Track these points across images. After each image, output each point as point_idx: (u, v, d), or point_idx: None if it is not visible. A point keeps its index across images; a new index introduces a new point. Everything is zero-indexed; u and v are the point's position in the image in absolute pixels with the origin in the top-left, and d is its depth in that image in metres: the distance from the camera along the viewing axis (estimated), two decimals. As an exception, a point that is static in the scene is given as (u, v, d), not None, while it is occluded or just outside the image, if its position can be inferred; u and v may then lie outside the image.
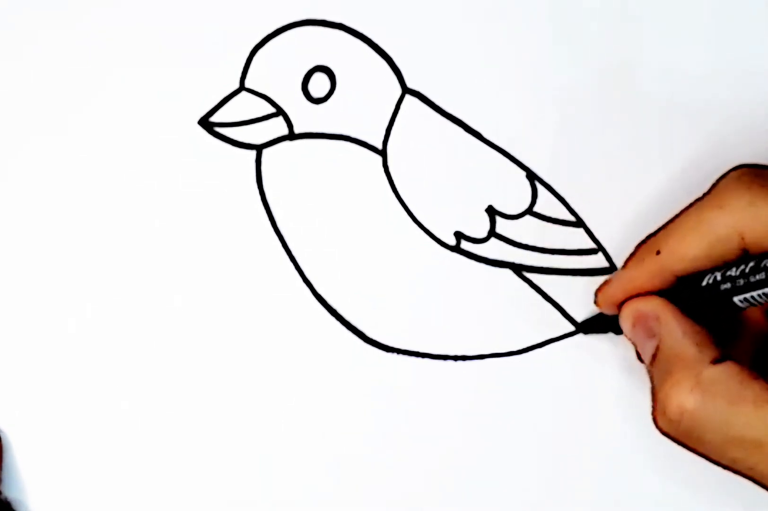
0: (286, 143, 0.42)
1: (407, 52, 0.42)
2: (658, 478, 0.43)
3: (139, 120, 0.42)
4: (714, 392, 0.36)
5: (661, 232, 0.40)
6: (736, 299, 0.37)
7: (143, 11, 0.42)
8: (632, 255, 0.41)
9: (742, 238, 0.37)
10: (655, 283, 0.39)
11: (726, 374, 0.36)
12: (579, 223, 0.43)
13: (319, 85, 0.42)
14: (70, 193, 0.42)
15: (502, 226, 0.42)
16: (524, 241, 0.42)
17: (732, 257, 0.38)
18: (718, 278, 0.38)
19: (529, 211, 0.42)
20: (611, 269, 0.42)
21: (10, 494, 0.42)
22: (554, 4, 0.42)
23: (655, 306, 0.39)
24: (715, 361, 0.37)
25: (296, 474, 0.43)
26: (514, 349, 0.42)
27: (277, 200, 0.42)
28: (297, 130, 0.42)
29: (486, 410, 0.43)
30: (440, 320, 0.42)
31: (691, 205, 0.39)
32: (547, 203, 0.42)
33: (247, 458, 0.42)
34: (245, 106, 0.42)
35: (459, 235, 0.42)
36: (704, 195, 0.39)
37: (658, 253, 0.39)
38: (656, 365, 0.38)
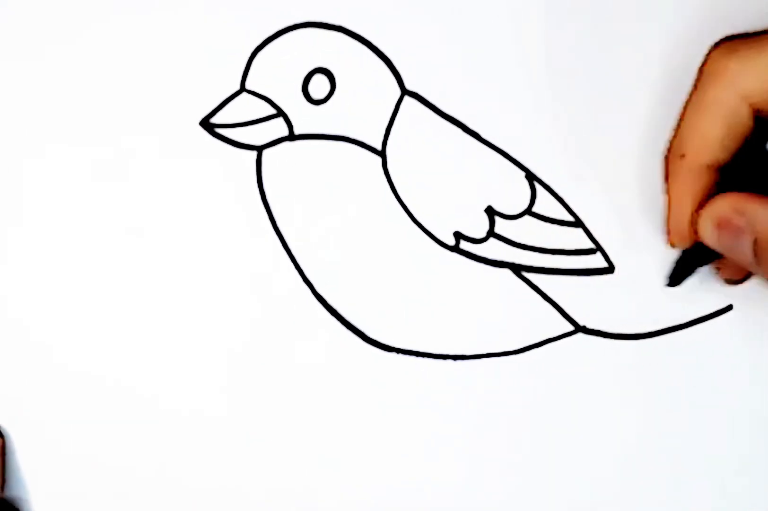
0: (287, 144, 0.42)
1: (406, 54, 0.42)
2: (658, 478, 0.43)
3: (140, 121, 0.42)
4: None
5: (675, 136, 0.38)
6: None
7: (145, 13, 0.42)
8: (665, 176, 0.39)
9: (750, 103, 0.36)
10: (701, 186, 0.38)
11: None
12: (578, 223, 0.43)
13: (319, 86, 0.42)
14: (71, 194, 0.42)
15: (502, 226, 0.42)
16: (523, 242, 0.42)
17: (750, 126, 0.37)
18: None
19: (528, 211, 0.43)
20: (610, 268, 0.43)
21: (14, 492, 0.43)
22: (553, 5, 0.42)
23: (731, 202, 0.37)
24: None
25: (296, 473, 0.43)
26: (513, 349, 0.43)
27: (277, 200, 0.42)
28: (297, 131, 0.42)
29: (485, 409, 0.43)
30: (440, 320, 0.43)
31: (688, 99, 0.38)
32: (546, 203, 0.43)
33: (246, 457, 0.43)
34: (246, 108, 0.42)
35: (458, 236, 0.42)
36: (695, 83, 0.38)
37: (683, 156, 0.38)
38: (762, 258, 0.36)
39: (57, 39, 0.42)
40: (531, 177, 0.42)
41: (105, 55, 0.42)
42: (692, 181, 0.38)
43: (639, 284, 0.43)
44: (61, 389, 0.42)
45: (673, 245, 0.41)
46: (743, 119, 0.37)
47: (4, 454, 0.42)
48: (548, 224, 0.42)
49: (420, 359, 0.43)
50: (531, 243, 0.42)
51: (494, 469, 0.43)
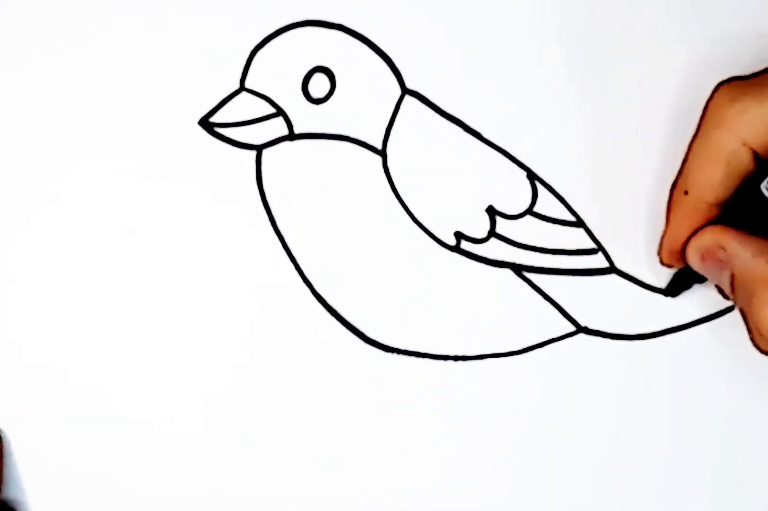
0: (286, 143, 0.42)
1: (406, 53, 0.42)
2: (658, 478, 0.43)
3: (139, 120, 0.42)
4: None
5: (680, 173, 0.40)
6: None
7: (144, 12, 0.42)
8: (668, 207, 0.41)
9: (750, 147, 0.38)
10: (699, 219, 0.40)
11: None
12: (579, 223, 0.43)
13: (319, 85, 0.42)
14: (71, 194, 0.42)
15: (503, 226, 0.42)
16: (524, 242, 0.42)
17: (750, 167, 0.39)
18: (764, 186, 0.38)
19: (530, 211, 0.42)
20: (611, 269, 0.42)
21: (11, 494, 0.42)
22: (553, 5, 0.42)
23: (715, 236, 0.39)
24: None
25: (295, 474, 0.42)
26: (514, 349, 0.42)
27: (277, 200, 0.42)
28: (297, 130, 0.42)
29: (486, 410, 0.43)
30: (440, 321, 0.42)
31: (693, 139, 0.40)
32: (547, 203, 0.42)
33: (246, 457, 0.42)
34: (245, 107, 0.42)
35: (459, 236, 0.42)
36: (699, 124, 0.39)
37: (686, 193, 0.40)
38: (738, 293, 0.38)
39: (56, 39, 0.42)
40: (532, 177, 0.42)
41: (104, 54, 0.42)
42: (693, 215, 0.40)
43: (640, 284, 0.42)
44: (59, 391, 0.42)
45: (663, 264, 0.42)
46: (744, 161, 0.39)
47: (1, 456, 0.42)
48: (549, 224, 0.42)
49: (420, 359, 0.43)
50: (532, 243, 0.42)
51: (494, 469, 0.43)
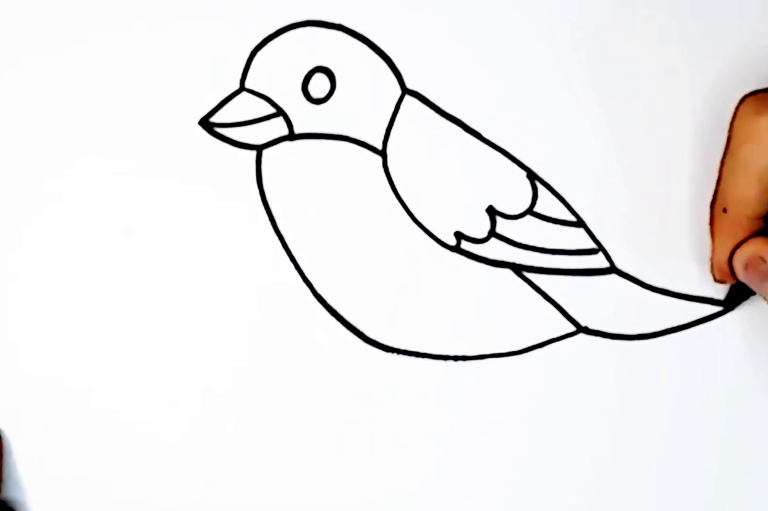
0: (286, 144, 0.42)
1: (406, 53, 0.42)
2: (658, 477, 0.43)
3: (140, 120, 0.42)
4: None
5: (716, 190, 0.41)
6: None
7: (144, 12, 0.42)
8: (711, 225, 0.41)
9: None
10: (742, 234, 0.40)
11: None
12: (579, 223, 0.42)
13: (319, 85, 0.42)
14: (71, 194, 0.42)
15: (503, 226, 0.42)
16: (524, 242, 0.42)
17: None
18: None
19: (530, 211, 0.42)
20: (611, 269, 0.42)
21: (11, 494, 0.42)
22: (553, 4, 0.42)
23: (757, 247, 0.40)
24: None
25: (295, 474, 0.42)
26: (515, 349, 0.42)
27: (277, 200, 0.42)
28: (297, 130, 0.42)
29: (486, 410, 0.42)
30: (440, 320, 0.42)
31: (723, 155, 0.40)
32: (547, 203, 0.42)
33: (245, 457, 0.42)
34: (245, 107, 0.42)
35: (459, 236, 0.42)
36: (728, 139, 0.40)
37: (725, 210, 0.40)
38: None
39: (56, 39, 0.42)
40: (532, 176, 0.42)
41: (104, 54, 0.42)
42: (735, 231, 0.40)
43: (640, 284, 0.42)
44: (59, 391, 0.42)
45: (717, 281, 0.42)
46: None
47: (1, 455, 0.42)
48: (550, 224, 0.42)
49: (420, 359, 0.43)
50: (532, 243, 0.42)
51: (495, 469, 0.43)
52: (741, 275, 0.40)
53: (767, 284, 0.39)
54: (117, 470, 0.42)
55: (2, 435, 0.42)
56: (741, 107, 0.40)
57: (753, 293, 0.42)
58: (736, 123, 0.40)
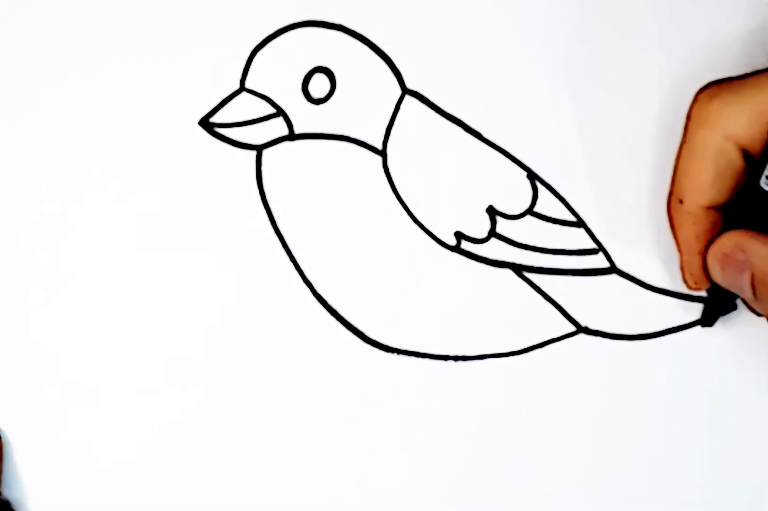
0: (286, 144, 0.42)
1: (406, 53, 0.42)
2: (658, 478, 0.43)
3: (139, 120, 0.42)
4: None
5: (672, 182, 0.40)
6: None
7: (144, 12, 0.42)
8: (670, 223, 0.41)
9: (735, 142, 0.37)
10: (705, 226, 0.39)
11: None
12: (580, 223, 0.42)
13: (319, 85, 0.42)
14: (70, 194, 0.42)
15: (503, 226, 0.42)
16: (525, 242, 0.42)
17: (740, 165, 0.38)
18: (763, 182, 0.38)
19: (530, 211, 0.42)
20: (612, 269, 0.42)
21: (10, 494, 0.42)
22: (553, 4, 0.42)
23: (733, 238, 0.38)
24: None
25: (295, 474, 0.42)
26: (515, 349, 0.42)
27: (277, 200, 0.42)
28: (297, 130, 0.42)
29: (486, 410, 0.42)
30: (440, 320, 0.42)
31: (681, 144, 0.39)
32: (547, 203, 0.42)
33: (245, 458, 0.42)
34: (245, 107, 0.42)
35: (459, 236, 0.42)
36: (685, 127, 0.39)
37: (681, 202, 0.39)
38: (759, 290, 0.38)
39: (55, 38, 0.42)
40: (532, 176, 0.42)
41: (104, 54, 0.42)
42: (694, 224, 0.39)
43: (640, 284, 0.42)
44: (59, 391, 0.42)
45: (691, 288, 0.41)
46: (733, 160, 0.38)
47: (1, 455, 0.42)
48: (550, 224, 0.42)
49: (420, 359, 0.42)
50: (532, 243, 0.42)
51: (494, 469, 0.43)
52: (717, 276, 0.39)
53: (746, 275, 0.38)
54: (117, 470, 0.42)
55: (2, 435, 0.42)
56: (700, 94, 0.39)
57: (732, 308, 0.42)
58: (693, 109, 0.39)
